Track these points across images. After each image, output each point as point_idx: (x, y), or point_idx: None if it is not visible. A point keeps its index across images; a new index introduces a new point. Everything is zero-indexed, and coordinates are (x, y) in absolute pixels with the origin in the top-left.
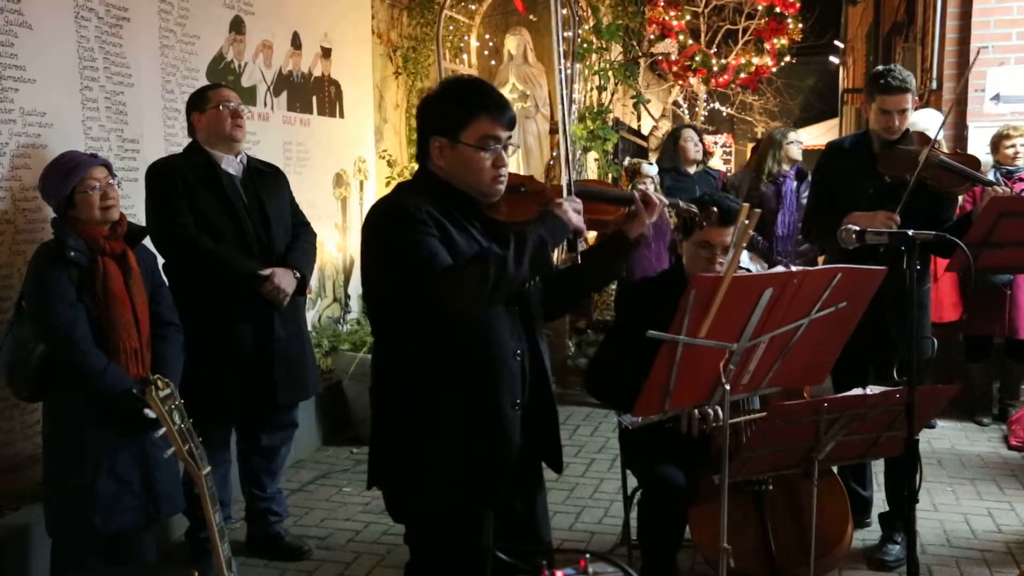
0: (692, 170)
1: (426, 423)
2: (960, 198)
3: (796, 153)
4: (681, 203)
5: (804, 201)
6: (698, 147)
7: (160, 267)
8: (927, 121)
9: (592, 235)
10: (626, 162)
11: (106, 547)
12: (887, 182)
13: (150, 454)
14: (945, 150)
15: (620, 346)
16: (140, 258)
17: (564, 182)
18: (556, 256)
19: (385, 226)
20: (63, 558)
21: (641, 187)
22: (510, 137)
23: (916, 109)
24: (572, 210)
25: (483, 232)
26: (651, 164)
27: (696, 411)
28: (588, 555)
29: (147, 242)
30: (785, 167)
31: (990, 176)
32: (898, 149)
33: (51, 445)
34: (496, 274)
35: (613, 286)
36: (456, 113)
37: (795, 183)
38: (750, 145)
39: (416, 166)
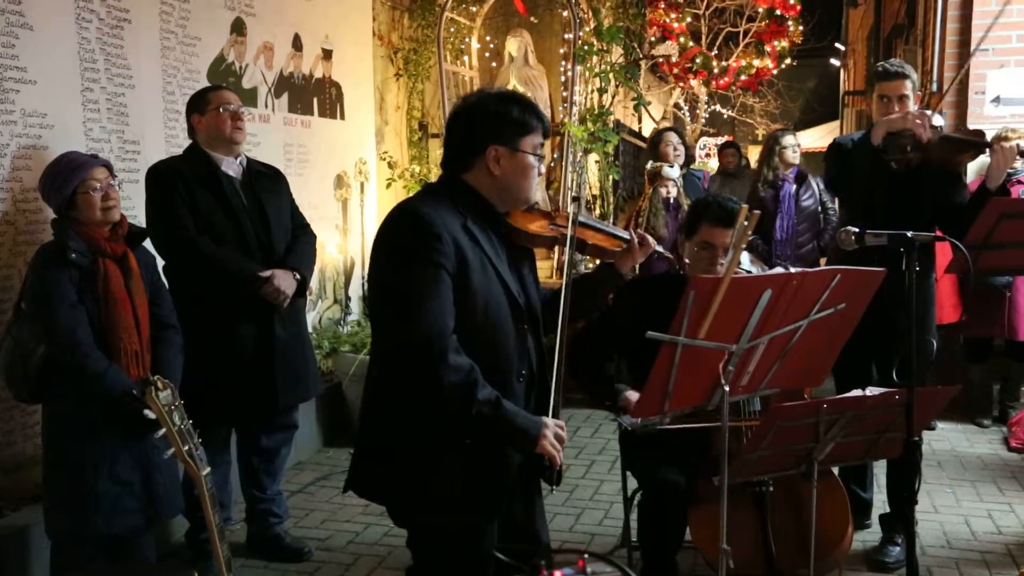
0: None
1: (431, 435)
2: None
3: (791, 157)
4: (664, 252)
5: (804, 204)
6: (678, 151)
7: (159, 269)
8: None
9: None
10: (648, 166)
11: (106, 549)
12: (895, 171)
13: (150, 456)
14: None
15: (606, 334)
16: (140, 259)
17: (570, 212)
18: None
19: (404, 237)
20: (63, 559)
21: (663, 191)
22: None
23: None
24: (553, 436)
25: (499, 241)
26: (672, 167)
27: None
28: (586, 555)
29: (146, 243)
30: (783, 171)
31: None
32: (900, 135)
33: (51, 447)
34: (457, 396)
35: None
36: (520, 123)
37: (794, 187)
38: (753, 148)
39: (417, 168)
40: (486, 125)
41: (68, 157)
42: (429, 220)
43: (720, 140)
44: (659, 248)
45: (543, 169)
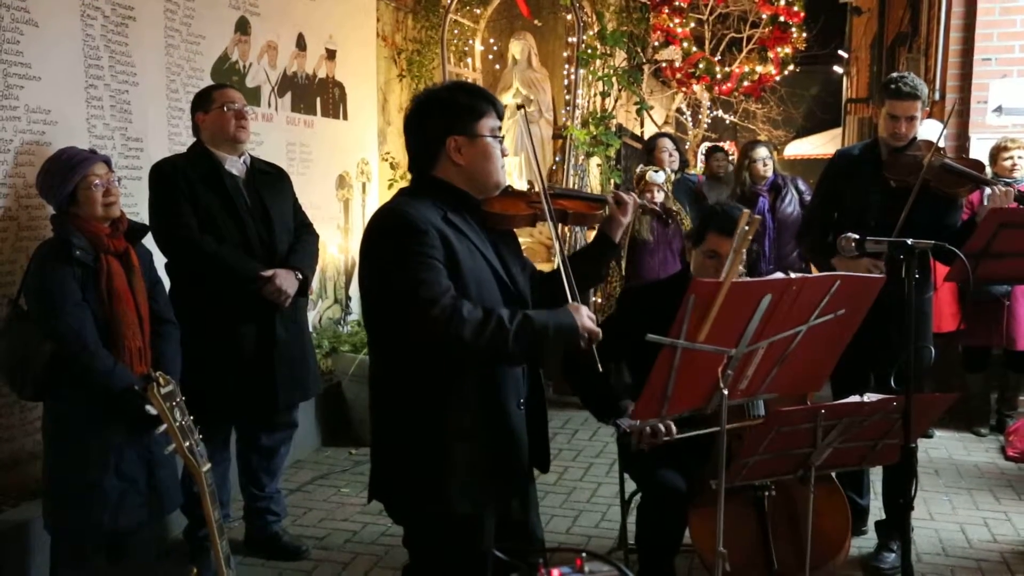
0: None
1: (435, 430)
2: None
3: (763, 170)
4: (647, 203)
5: (785, 213)
6: (673, 156)
7: (155, 264)
8: (929, 131)
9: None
10: (638, 169)
11: (106, 544)
12: (893, 188)
13: (154, 451)
14: (950, 156)
15: (607, 340)
16: (139, 255)
17: (540, 186)
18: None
19: (391, 239)
20: (63, 555)
21: (648, 196)
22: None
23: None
24: (587, 315)
25: (480, 227)
26: (657, 171)
27: (648, 427)
28: (584, 554)
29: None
30: (752, 185)
31: None
32: (905, 155)
33: (54, 444)
34: (490, 339)
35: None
36: (470, 110)
37: (768, 200)
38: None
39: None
40: (439, 118)
41: (67, 153)
42: (413, 218)
43: (722, 145)
44: (642, 201)
45: (507, 150)
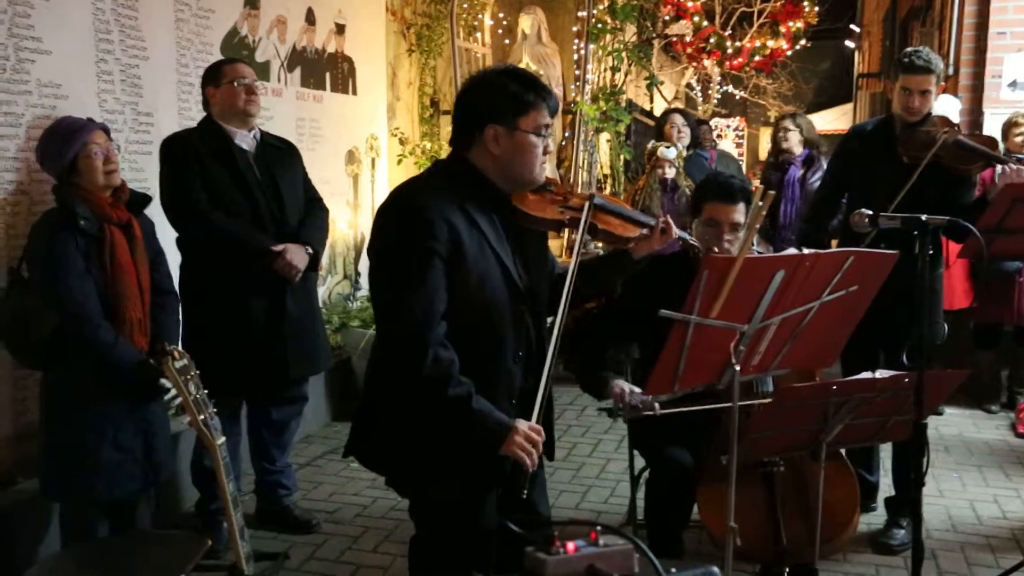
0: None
1: (426, 415)
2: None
3: (794, 141)
4: (690, 239)
5: (813, 188)
6: (682, 133)
7: (156, 235)
8: (943, 106)
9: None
10: (649, 145)
11: (106, 513)
12: (905, 163)
13: (151, 422)
14: (964, 132)
15: (610, 316)
16: (141, 225)
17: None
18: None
19: (396, 223)
20: (72, 525)
21: (659, 171)
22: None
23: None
24: (522, 439)
25: (503, 221)
26: (669, 147)
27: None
28: (599, 527)
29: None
30: (791, 154)
31: None
32: (918, 130)
33: (52, 412)
34: (434, 379)
35: None
36: (518, 101)
37: (800, 171)
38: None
39: (428, 145)
40: (484, 103)
41: (65, 122)
42: (421, 205)
43: (732, 121)
44: (683, 235)
45: (551, 148)
